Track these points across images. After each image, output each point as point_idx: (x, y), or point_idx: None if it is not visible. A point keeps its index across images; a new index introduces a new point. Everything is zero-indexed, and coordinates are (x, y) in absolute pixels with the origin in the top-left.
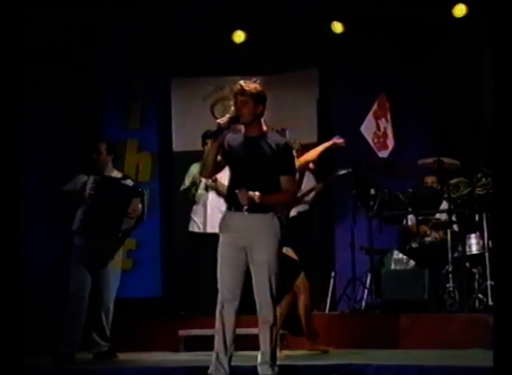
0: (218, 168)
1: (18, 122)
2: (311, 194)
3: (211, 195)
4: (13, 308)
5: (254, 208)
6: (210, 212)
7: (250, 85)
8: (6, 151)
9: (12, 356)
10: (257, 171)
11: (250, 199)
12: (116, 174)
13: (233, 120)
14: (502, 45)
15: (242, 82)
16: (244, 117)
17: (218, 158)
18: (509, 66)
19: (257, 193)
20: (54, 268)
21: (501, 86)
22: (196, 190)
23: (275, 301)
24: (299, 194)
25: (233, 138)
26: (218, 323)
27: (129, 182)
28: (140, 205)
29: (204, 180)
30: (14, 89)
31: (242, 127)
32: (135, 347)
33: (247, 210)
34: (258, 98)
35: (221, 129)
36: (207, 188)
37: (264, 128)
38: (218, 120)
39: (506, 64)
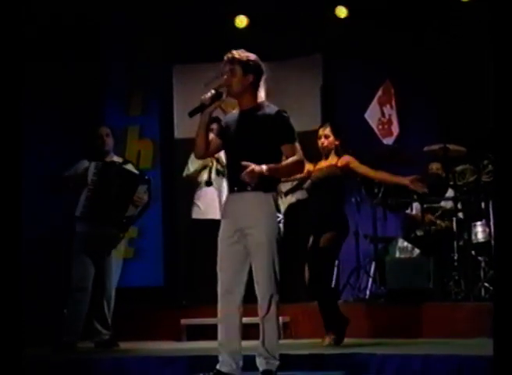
0: (215, 148)
1: (18, 112)
2: (309, 181)
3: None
4: (13, 297)
5: (248, 187)
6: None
7: (242, 53)
8: (6, 140)
9: (13, 347)
10: (251, 146)
11: (257, 174)
12: (117, 159)
13: (216, 96)
14: (501, 36)
15: (234, 50)
16: (232, 87)
17: (211, 137)
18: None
19: (263, 166)
20: (54, 256)
21: (501, 74)
22: (210, 174)
23: (274, 290)
24: (296, 182)
25: (230, 116)
26: (219, 314)
27: (131, 167)
28: (145, 193)
29: (215, 164)
30: (15, 78)
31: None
32: (137, 336)
33: (250, 188)
34: (248, 67)
35: (203, 105)
36: (218, 173)
37: (261, 99)
38: (202, 96)
39: (505, 53)
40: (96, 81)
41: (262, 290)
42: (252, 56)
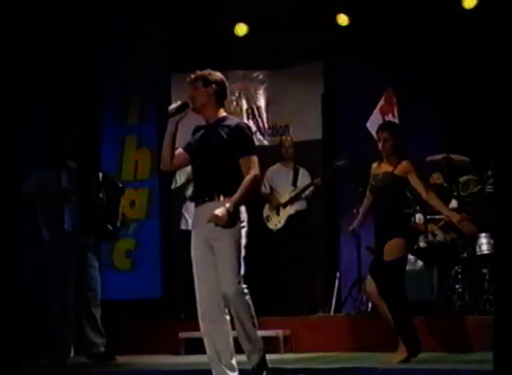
0: (182, 161)
1: (17, 120)
2: (309, 190)
3: None
4: (13, 311)
5: (208, 197)
6: None
7: (204, 71)
8: (6, 152)
9: (12, 360)
10: (211, 159)
11: (224, 216)
12: (72, 165)
13: (182, 107)
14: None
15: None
16: (195, 101)
17: (179, 150)
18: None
19: (226, 205)
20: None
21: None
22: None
23: (240, 298)
24: (295, 193)
25: (198, 131)
26: (201, 329)
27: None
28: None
29: None
30: (12, 86)
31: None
32: (134, 349)
33: (204, 201)
34: (209, 80)
35: (169, 115)
36: None
37: (224, 114)
38: (169, 107)
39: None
40: (93, 89)
41: (226, 298)
42: (212, 72)
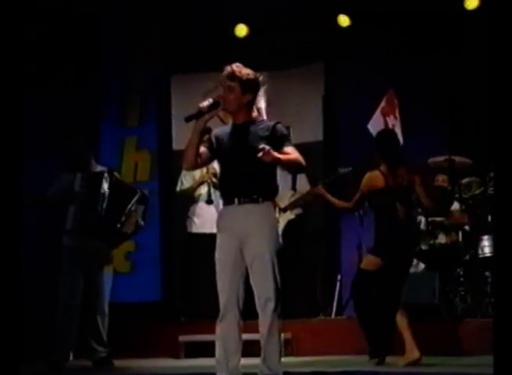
0: (205, 160)
1: (17, 120)
2: (308, 197)
3: None
4: (13, 313)
5: (247, 198)
6: None
7: (243, 70)
8: (6, 152)
9: (11, 363)
10: (248, 158)
11: (271, 156)
12: (101, 169)
13: (214, 105)
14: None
15: (234, 65)
16: (228, 104)
17: (202, 149)
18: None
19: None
20: (51, 270)
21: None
22: (209, 191)
23: (276, 303)
24: (294, 198)
25: (221, 129)
26: (217, 331)
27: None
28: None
29: (214, 179)
30: (12, 86)
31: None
32: (133, 353)
33: (241, 201)
34: (248, 86)
35: (200, 113)
36: (216, 188)
37: (254, 114)
38: (200, 104)
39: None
40: (93, 89)
41: (264, 304)
42: (251, 74)
